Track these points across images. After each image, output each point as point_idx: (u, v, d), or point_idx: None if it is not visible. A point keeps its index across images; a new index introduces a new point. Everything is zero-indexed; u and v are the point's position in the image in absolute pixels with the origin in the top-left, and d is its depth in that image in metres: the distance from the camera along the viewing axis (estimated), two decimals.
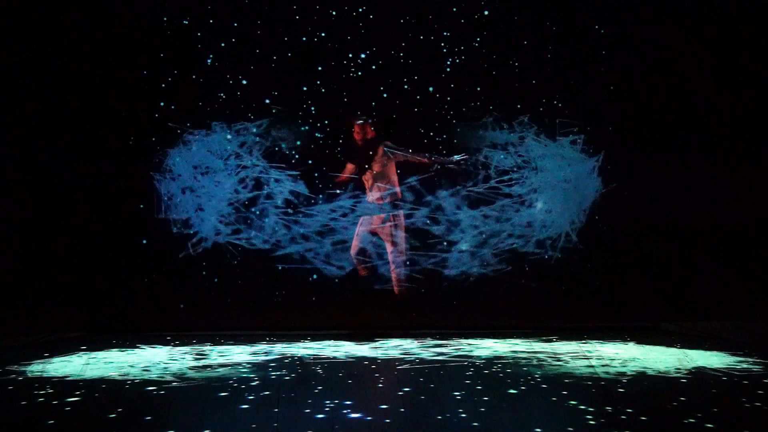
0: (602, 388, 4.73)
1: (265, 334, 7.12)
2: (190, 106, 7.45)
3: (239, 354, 6.09)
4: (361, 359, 5.88)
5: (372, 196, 7.59)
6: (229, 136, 7.47)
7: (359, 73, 7.55)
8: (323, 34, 7.51)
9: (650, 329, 7.30)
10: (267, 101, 7.49)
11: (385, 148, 7.56)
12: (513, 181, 7.54)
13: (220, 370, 5.39)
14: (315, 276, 7.59)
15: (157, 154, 7.43)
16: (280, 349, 6.34)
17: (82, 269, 7.43)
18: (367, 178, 7.60)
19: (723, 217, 7.39)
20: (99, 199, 7.40)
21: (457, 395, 4.55)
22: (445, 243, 7.53)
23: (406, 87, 7.58)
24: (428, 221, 7.54)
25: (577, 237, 7.46)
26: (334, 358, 5.95)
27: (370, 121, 7.57)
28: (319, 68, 7.53)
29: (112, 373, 5.26)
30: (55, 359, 5.79)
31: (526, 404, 4.38)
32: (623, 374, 5.13)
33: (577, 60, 7.49)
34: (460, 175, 7.54)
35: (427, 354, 6.06)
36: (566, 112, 7.51)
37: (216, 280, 7.52)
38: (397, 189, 7.61)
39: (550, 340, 6.66)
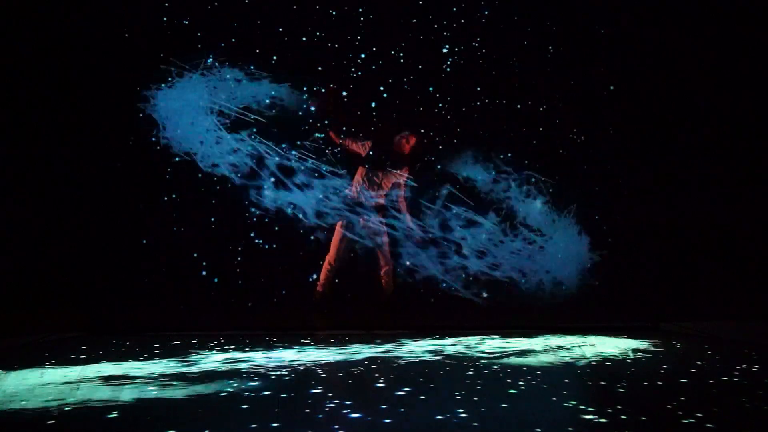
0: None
1: (264, 334, 7.12)
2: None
3: (238, 354, 6.09)
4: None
5: (363, 195, 7.59)
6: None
7: (359, 73, 7.56)
8: (323, 34, 7.52)
9: (650, 329, 7.29)
10: (267, 101, 7.50)
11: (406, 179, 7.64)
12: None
13: (219, 370, 5.39)
14: (315, 276, 7.61)
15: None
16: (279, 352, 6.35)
17: (82, 269, 7.43)
18: (368, 178, 7.60)
19: (723, 217, 7.39)
20: (99, 199, 7.40)
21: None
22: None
23: (406, 87, 7.59)
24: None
25: None
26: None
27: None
28: (319, 68, 7.54)
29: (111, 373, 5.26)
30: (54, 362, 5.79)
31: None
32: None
33: (577, 60, 7.50)
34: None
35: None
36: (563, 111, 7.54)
37: (216, 280, 7.52)
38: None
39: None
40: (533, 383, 4.86)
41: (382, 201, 7.57)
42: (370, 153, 7.58)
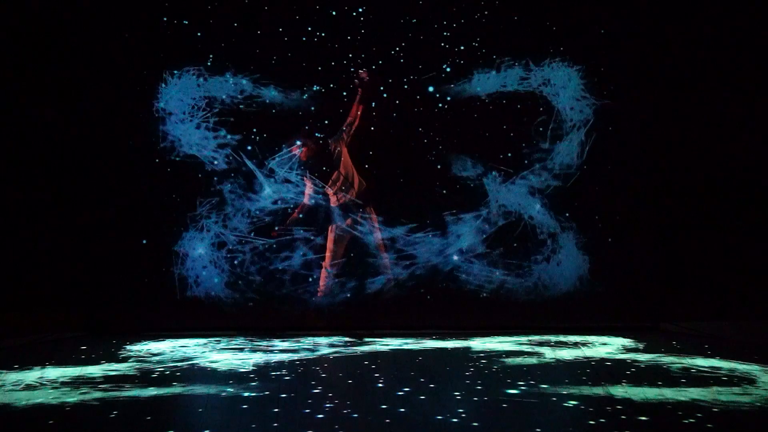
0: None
1: (265, 334, 7.12)
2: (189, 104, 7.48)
3: (238, 354, 6.09)
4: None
5: (339, 197, 7.57)
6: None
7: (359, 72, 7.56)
8: (323, 34, 7.52)
9: (650, 329, 7.29)
10: (267, 101, 7.49)
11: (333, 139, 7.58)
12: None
13: (219, 371, 5.40)
14: (315, 275, 7.61)
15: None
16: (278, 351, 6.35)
17: (82, 269, 7.42)
18: (332, 180, 7.59)
19: (723, 217, 7.39)
20: (99, 199, 7.40)
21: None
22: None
23: (406, 87, 7.58)
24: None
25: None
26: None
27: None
28: (319, 68, 7.53)
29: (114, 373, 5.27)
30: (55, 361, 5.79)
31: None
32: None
33: (577, 60, 7.50)
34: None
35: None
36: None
37: (216, 280, 7.52)
38: (357, 180, 7.59)
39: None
40: (533, 383, 4.87)
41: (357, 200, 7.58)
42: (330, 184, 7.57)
